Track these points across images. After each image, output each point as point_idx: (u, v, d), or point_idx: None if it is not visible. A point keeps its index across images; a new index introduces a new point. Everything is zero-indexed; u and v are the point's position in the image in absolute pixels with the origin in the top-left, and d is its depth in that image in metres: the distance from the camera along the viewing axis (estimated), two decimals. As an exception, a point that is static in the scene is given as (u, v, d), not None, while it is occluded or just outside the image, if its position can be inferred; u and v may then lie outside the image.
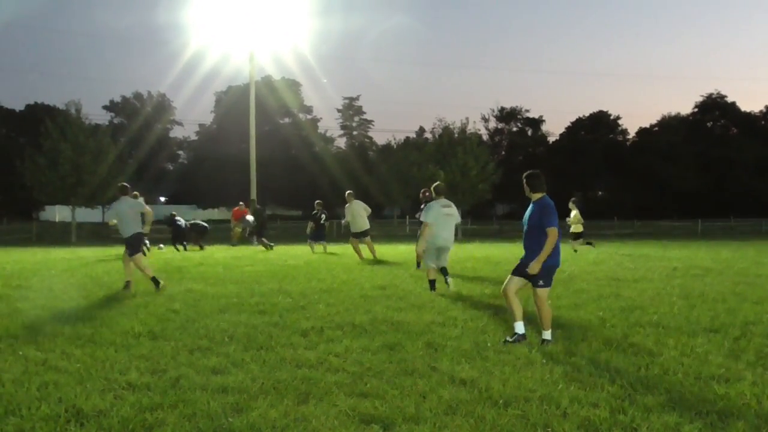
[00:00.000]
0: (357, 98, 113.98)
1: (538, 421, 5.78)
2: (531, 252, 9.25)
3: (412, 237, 49.22)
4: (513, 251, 27.61)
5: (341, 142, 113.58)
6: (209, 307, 12.01)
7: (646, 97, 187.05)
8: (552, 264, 9.26)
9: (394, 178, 70.79)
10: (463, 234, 51.56)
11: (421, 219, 15.07)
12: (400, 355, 8.18)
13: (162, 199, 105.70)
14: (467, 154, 51.75)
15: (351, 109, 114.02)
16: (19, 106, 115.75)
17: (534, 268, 9.10)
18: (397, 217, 73.78)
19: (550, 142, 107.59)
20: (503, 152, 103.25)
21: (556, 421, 5.78)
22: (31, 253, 28.81)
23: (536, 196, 9.42)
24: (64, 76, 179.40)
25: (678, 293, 13.61)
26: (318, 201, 27.17)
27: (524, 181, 9.51)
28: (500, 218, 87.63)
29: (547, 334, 9.19)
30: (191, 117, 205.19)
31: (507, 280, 9.60)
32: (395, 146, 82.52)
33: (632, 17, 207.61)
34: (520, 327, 9.29)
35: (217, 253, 26.67)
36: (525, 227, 9.50)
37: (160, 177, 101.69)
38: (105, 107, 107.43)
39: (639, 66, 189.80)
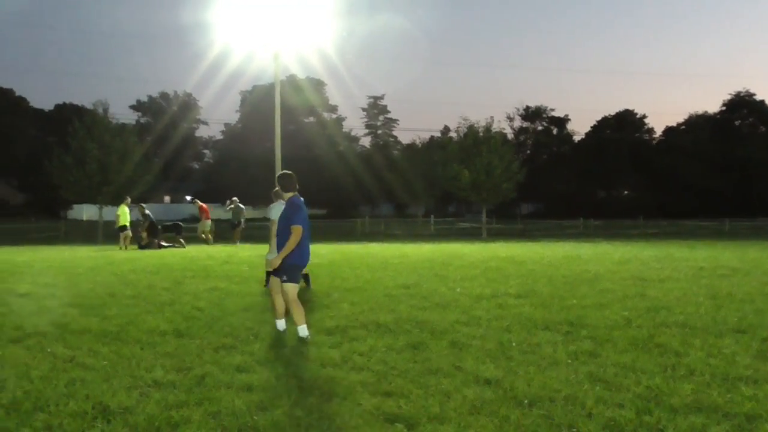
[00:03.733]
0: (382, 97, 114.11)
1: (563, 421, 5.77)
2: (280, 248, 9.53)
3: (438, 236, 49.21)
4: (537, 251, 27.54)
5: (366, 141, 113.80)
6: (234, 305, 12.07)
7: (672, 95, 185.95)
8: (295, 262, 9.55)
9: (419, 177, 70.79)
10: (488, 233, 51.52)
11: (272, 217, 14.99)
12: (425, 354, 8.18)
13: (187, 197, 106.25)
14: (492, 153, 51.55)
15: (376, 108, 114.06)
16: (48, 106, 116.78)
17: (274, 262, 9.53)
18: (421, 216, 73.66)
19: (576, 141, 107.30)
20: (528, 151, 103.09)
21: (581, 421, 5.76)
22: (59, 251, 29.00)
23: (287, 195, 9.81)
24: (93, 77, 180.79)
25: (705, 293, 13.51)
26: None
27: (277, 182, 10.09)
28: (525, 217, 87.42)
29: (302, 330, 9.36)
30: (217, 116, 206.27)
31: (271, 280, 10.08)
32: (420, 145, 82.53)
33: (660, 15, 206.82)
34: (280, 324, 9.82)
35: (242, 251, 26.74)
36: (279, 226, 9.83)
37: (185, 176, 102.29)
38: (132, 107, 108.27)
39: (666, 64, 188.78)
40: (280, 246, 9.55)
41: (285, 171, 10.15)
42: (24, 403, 6.18)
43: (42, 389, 6.60)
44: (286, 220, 9.54)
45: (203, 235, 34.58)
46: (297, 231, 9.34)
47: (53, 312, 11.24)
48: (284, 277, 9.48)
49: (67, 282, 15.69)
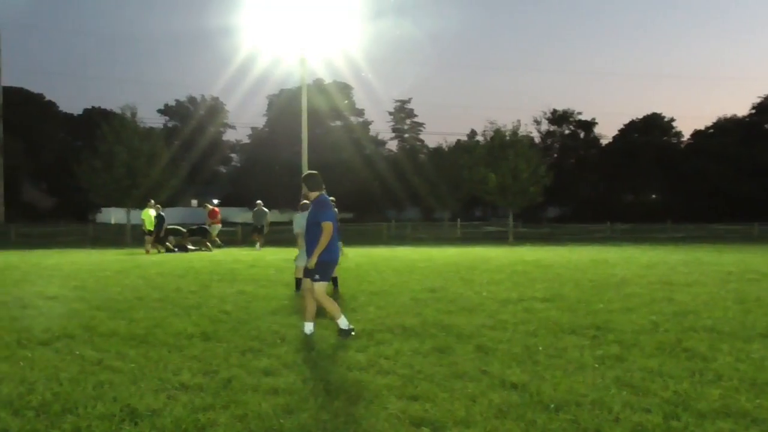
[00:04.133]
0: (408, 101, 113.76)
1: (590, 425, 5.75)
2: (310, 248, 9.61)
3: (464, 240, 49.12)
4: (564, 255, 27.47)
5: (392, 145, 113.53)
6: (260, 309, 12.11)
7: (701, 98, 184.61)
8: (325, 259, 9.60)
9: (445, 181, 70.64)
10: (514, 237, 51.37)
11: (295, 229, 15.39)
12: (451, 358, 8.17)
13: (215, 201, 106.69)
14: (518, 156, 51.30)
15: (402, 112, 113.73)
16: (77, 110, 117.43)
17: (311, 262, 9.52)
18: (448, 220, 73.46)
19: (603, 144, 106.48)
20: (555, 155, 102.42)
21: (607, 426, 5.74)
22: (87, 254, 29.19)
23: (314, 195, 9.87)
24: (120, 81, 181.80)
25: (733, 298, 13.43)
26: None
27: (302, 182, 10.09)
28: (551, 221, 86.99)
29: (308, 327, 9.64)
30: (244, 120, 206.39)
31: (304, 282, 10.06)
32: (446, 149, 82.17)
33: (687, 18, 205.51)
34: (308, 327, 9.74)
35: (268, 255, 26.84)
36: (308, 227, 9.88)
37: (212, 180, 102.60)
38: (159, 111, 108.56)
39: (694, 67, 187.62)
40: (310, 246, 9.65)
41: (310, 171, 10.28)
42: (53, 405, 6.23)
43: (70, 392, 6.65)
44: (315, 218, 9.63)
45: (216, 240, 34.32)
46: (327, 227, 9.44)
47: (81, 315, 11.32)
48: (316, 276, 9.59)
49: (95, 285, 15.81)
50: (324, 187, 9.96)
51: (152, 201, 32.63)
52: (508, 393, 6.69)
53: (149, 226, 30.69)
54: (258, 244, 33.07)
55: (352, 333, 9.48)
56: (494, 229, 60.45)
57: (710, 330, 9.94)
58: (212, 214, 35.15)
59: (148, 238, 30.60)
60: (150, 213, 30.99)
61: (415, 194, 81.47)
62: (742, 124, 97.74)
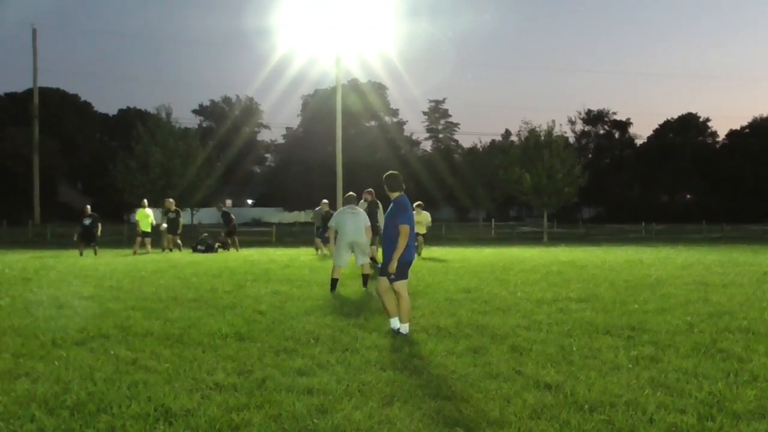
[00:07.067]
0: (443, 101, 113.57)
1: (624, 426, 5.72)
2: (387, 249, 9.76)
3: (499, 240, 49.03)
4: (599, 255, 27.35)
5: (427, 145, 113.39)
6: (295, 309, 12.12)
7: (736, 98, 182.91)
8: (403, 259, 9.68)
9: (480, 181, 70.58)
10: (549, 237, 51.20)
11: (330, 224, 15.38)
12: (485, 358, 8.15)
13: (249, 201, 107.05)
14: (553, 157, 51.21)
15: (437, 112, 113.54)
16: (112, 110, 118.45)
17: (391, 266, 9.61)
18: (482, 220, 73.36)
19: (638, 144, 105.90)
20: (590, 155, 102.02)
21: (642, 426, 5.71)
22: (122, 254, 29.35)
23: (394, 195, 9.91)
24: (156, 81, 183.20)
25: (769, 298, 13.32)
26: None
27: (384, 181, 10.04)
28: (586, 222, 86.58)
29: (404, 327, 9.68)
30: (278, 120, 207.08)
31: (379, 281, 10.20)
32: (481, 149, 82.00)
33: (722, 18, 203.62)
34: (394, 323, 9.89)
35: (303, 256, 26.91)
36: (385, 226, 10.01)
37: (247, 180, 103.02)
38: (194, 111, 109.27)
39: (729, 67, 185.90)
40: (386, 245, 9.84)
41: (391, 171, 10.30)
42: (88, 404, 6.26)
43: (105, 391, 6.68)
44: (392, 219, 9.74)
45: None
46: (404, 230, 9.55)
47: (116, 315, 11.38)
48: (392, 276, 9.71)
49: (130, 285, 15.88)
50: (404, 187, 10.05)
51: (145, 201, 32.25)
52: (542, 393, 6.67)
53: (144, 227, 30.36)
54: (327, 249, 29.58)
55: (408, 336, 9.58)
56: (529, 230, 60.35)
57: (746, 331, 9.86)
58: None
59: (140, 240, 30.16)
60: (146, 213, 30.50)
61: (449, 194, 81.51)
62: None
